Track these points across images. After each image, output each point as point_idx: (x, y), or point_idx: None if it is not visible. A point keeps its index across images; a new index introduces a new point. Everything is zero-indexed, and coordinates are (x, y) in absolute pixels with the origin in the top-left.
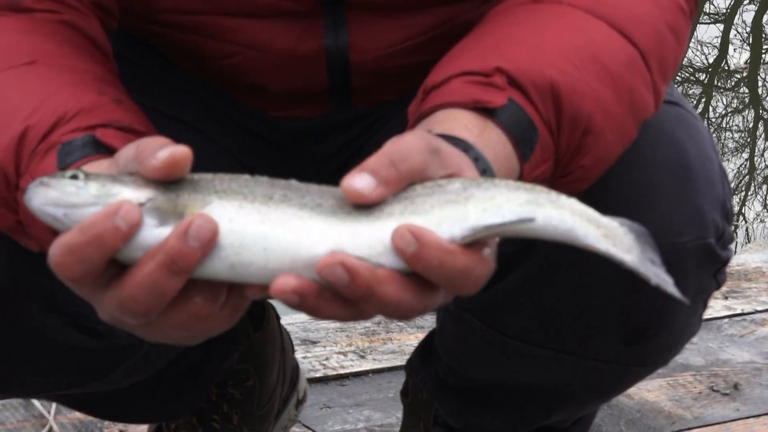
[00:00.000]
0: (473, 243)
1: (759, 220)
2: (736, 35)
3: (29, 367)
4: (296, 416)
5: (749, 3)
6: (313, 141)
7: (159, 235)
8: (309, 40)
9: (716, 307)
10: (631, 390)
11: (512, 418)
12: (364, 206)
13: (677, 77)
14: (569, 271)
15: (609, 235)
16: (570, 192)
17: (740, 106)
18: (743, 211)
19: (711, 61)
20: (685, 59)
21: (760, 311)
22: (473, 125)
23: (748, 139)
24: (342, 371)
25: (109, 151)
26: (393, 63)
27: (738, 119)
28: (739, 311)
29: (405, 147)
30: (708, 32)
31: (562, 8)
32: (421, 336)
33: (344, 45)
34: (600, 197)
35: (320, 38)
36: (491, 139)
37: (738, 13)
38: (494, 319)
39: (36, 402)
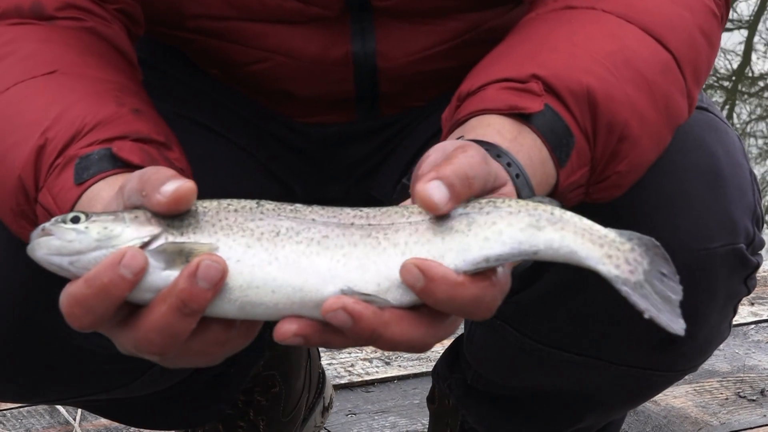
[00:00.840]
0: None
1: None
2: (759, 41)
3: (55, 373)
4: (322, 423)
5: None
6: (340, 147)
7: (166, 277)
8: (336, 46)
9: (742, 313)
10: (658, 396)
11: (541, 424)
12: (372, 234)
13: None
14: (599, 277)
15: (612, 255)
16: (605, 198)
17: (764, 113)
18: None
19: (735, 67)
20: None
21: None
22: (507, 130)
23: None
24: (367, 377)
25: (125, 165)
26: (420, 69)
27: (762, 125)
28: (765, 317)
29: (474, 162)
30: (731, 39)
31: (596, 14)
32: (447, 342)
33: (372, 51)
34: (631, 203)
35: (348, 44)
36: (526, 144)
37: (762, 19)
38: (524, 325)
39: (61, 408)
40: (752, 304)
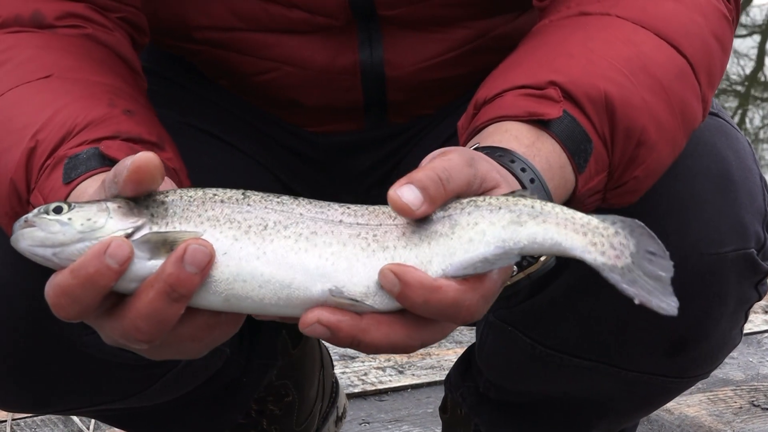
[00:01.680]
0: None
1: None
2: None
3: (68, 383)
4: None
5: None
6: (349, 156)
7: (151, 267)
8: (344, 55)
9: (756, 321)
10: (671, 405)
11: None
12: (360, 234)
13: None
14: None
15: (597, 242)
16: (621, 203)
17: None
18: None
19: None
20: None
21: None
22: (524, 136)
23: None
24: (381, 386)
25: (113, 163)
26: (428, 77)
27: None
28: None
29: (451, 166)
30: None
31: (611, 20)
32: (460, 351)
33: (379, 60)
34: (641, 208)
35: (355, 53)
36: (544, 150)
37: None
38: (535, 331)
39: (75, 418)
40: (766, 312)
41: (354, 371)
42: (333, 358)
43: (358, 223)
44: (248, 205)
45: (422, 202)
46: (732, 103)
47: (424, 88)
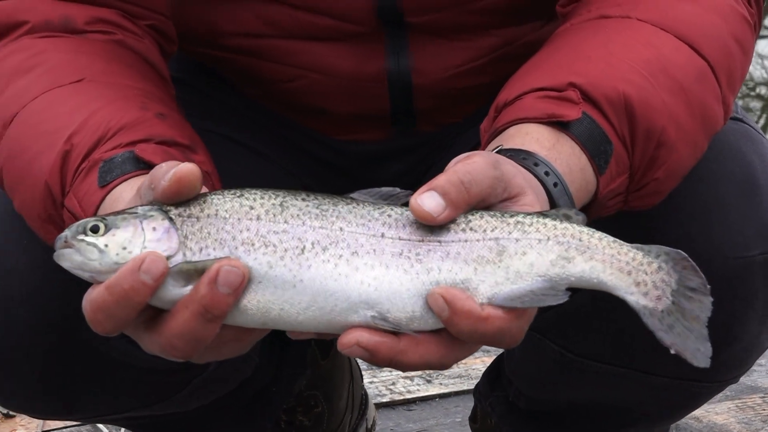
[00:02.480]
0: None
1: None
2: None
3: (97, 387)
4: None
5: None
6: (376, 164)
7: (182, 291)
8: (371, 62)
9: None
10: (699, 413)
11: None
12: (403, 253)
13: None
14: None
15: (640, 281)
16: (643, 206)
17: None
18: None
19: None
20: None
21: None
22: (545, 138)
23: None
24: (409, 396)
25: (148, 166)
26: (455, 85)
27: None
28: None
29: (474, 169)
30: None
31: (630, 23)
32: (488, 360)
33: (406, 67)
34: (666, 212)
35: (382, 61)
36: (564, 152)
37: None
38: (563, 338)
39: (103, 427)
40: None
41: (382, 381)
42: (361, 368)
43: (400, 238)
44: (285, 222)
45: (444, 208)
46: (756, 104)
47: (450, 96)
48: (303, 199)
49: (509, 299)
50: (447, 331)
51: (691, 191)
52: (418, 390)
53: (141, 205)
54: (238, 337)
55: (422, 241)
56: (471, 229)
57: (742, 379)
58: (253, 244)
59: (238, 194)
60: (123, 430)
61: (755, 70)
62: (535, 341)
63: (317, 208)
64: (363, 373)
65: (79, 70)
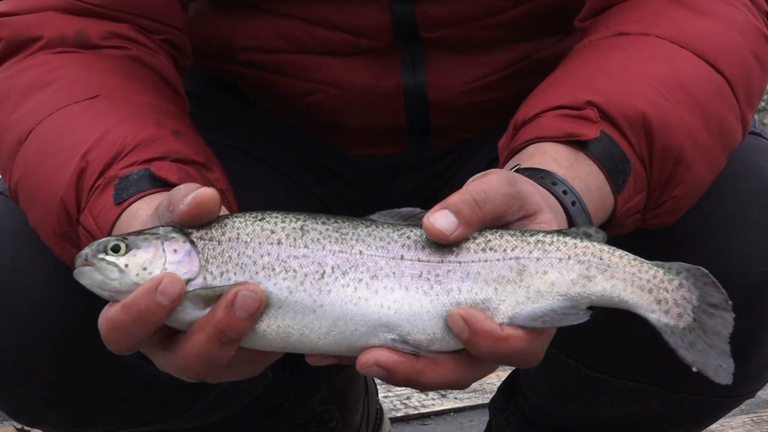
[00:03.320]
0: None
1: None
2: None
3: (109, 402)
4: None
5: None
6: (393, 179)
7: (199, 314)
8: (387, 77)
9: None
10: (715, 426)
11: None
12: (419, 272)
13: None
14: None
15: (661, 299)
16: (661, 224)
17: None
18: None
19: None
20: None
21: None
22: (563, 158)
23: None
24: (423, 410)
25: (164, 184)
26: (471, 100)
27: None
28: None
29: (489, 187)
30: None
31: (649, 40)
32: (503, 374)
33: (422, 83)
34: (684, 227)
35: (398, 76)
36: (582, 171)
37: None
38: (580, 353)
39: None
40: None
41: (397, 395)
42: (376, 381)
43: (419, 260)
44: (305, 246)
45: (457, 226)
46: None
47: (467, 112)
48: (323, 223)
49: (530, 319)
50: (466, 351)
51: (709, 207)
52: (432, 404)
53: (162, 226)
54: (254, 359)
55: (442, 262)
56: (491, 248)
57: (758, 393)
58: (273, 269)
59: (259, 218)
60: None
61: None
62: (551, 356)
63: (337, 231)
64: (378, 387)
65: (94, 86)
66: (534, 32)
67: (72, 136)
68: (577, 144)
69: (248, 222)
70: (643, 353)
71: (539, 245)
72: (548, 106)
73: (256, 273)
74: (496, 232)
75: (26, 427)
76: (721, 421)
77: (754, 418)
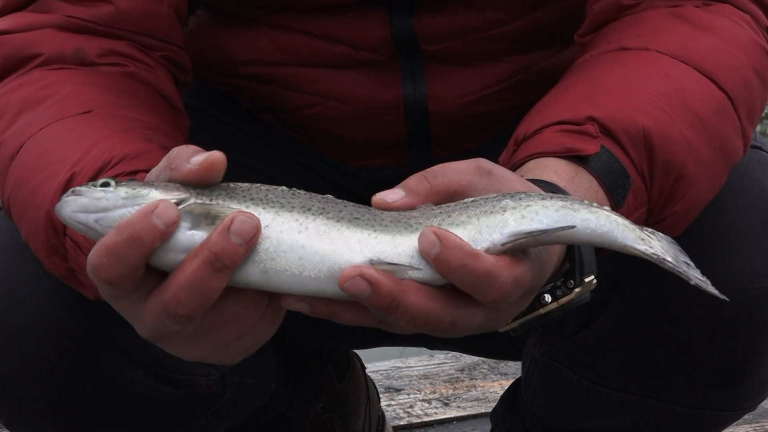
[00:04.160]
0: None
1: None
2: None
3: (110, 419)
4: None
5: None
6: None
7: (191, 237)
8: (387, 90)
9: None
10: None
11: None
12: (402, 220)
13: None
14: (656, 317)
15: (645, 239)
16: None
17: None
18: None
19: None
20: None
21: None
22: (564, 171)
23: None
24: (426, 419)
25: None
26: (471, 112)
27: None
28: None
29: (447, 167)
30: None
31: (650, 55)
32: (505, 383)
33: (422, 95)
34: (685, 242)
35: (398, 88)
36: (583, 186)
37: None
38: (581, 366)
39: None
40: None
41: (399, 404)
42: (378, 390)
43: (400, 214)
44: (293, 195)
45: (402, 196)
46: None
47: (467, 123)
48: (308, 192)
49: (513, 235)
50: (447, 289)
51: (709, 222)
52: (435, 413)
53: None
54: (236, 316)
55: (423, 214)
56: (473, 200)
57: (762, 404)
58: (261, 200)
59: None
60: None
61: None
62: (552, 369)
63: (322, 195)
64: (380, 396)
65: (88, 101)
66: (533, 44)
67: (60, 150)
68: (578, 159)
69: (237, 183)
70: (644, 367)
71: (522, 193)
72: (549, 122)
73: (244, 201)
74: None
75: None
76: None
77: (757, 428)
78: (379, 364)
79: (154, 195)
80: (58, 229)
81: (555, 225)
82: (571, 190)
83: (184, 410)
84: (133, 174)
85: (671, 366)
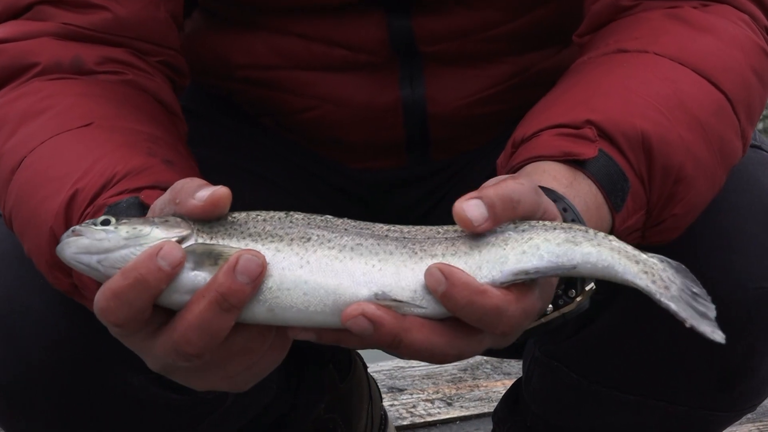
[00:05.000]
0: (514, 285)
1: None
2: None
3: (114, 425)
4: None
5: None
6: (392, 192)
7: (195, 278)
8: (385, 92)
9: None
10: None
11: None
12: (407, 245)
13: None
14: (656, 317)
15: (648, 271)
16: (661, 241)
17: None
18: None
19: None
20: None
21: None
22: (562, 176)
23: None
24: (429, 419)
25: None
26: (470, 113)
27: None
28: None
29: (523, 189)
30: None
31: (649, 57)
32: (508, 382)
33: (421, 97)
34: (685, 242)
35: (397, 90)
36: (581, 190)
37: None
38: (582, 366)
39: None
40: None
41: (402, 404)
42: (381, 390)
43: (404, 237)
44: (291, 222)
45: (486, 219)
46: None
47: (466, 125)
48: (306, 214)
49: (512, 274)
50: (452, 319)
51: (709, 222)
52: (438, 413)
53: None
54: (245, 350)
55: (428, 239)
56: None
57: (764, 402)
58: (260, 235)
59: (245, 212)
60: None
61: None
62: (553, 369)
63: (321, 216)
64: (383, 396)
65: (88, 113)
66: (531, 45)
67: (62, 166)
68: (576, 163)
69: (234, 213)
70: (645, 367)
71: (525, 223)
72: (546, 125)
73: (243, 238)
74: None
75: None
76: (726, 430)
77: (760, 427)
78: (382, 363)
79: (156, 234)
80: None
81: (555, 262)
82: (570, 195)
83: (186, 415)
84: (137, 191)
85: (671, 366)
